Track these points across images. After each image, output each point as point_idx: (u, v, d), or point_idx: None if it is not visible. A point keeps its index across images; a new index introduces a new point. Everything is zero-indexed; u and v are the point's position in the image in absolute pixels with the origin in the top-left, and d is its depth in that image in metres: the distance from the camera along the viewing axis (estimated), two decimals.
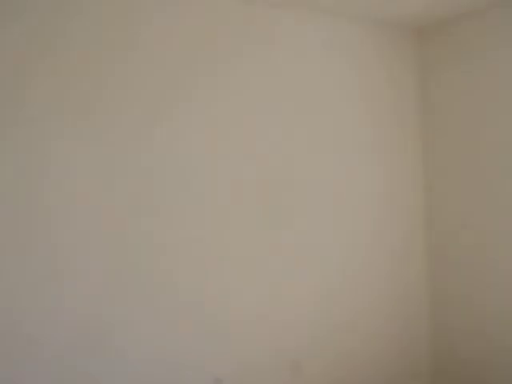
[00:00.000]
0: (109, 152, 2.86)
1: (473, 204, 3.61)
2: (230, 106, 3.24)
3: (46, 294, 2.69)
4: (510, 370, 3.37)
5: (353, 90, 3.72)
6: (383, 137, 3.84)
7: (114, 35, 2.89)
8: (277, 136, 3.41)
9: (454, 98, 3.71)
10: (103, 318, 2.82)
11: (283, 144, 3.43)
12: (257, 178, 3.33)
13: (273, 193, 3.38)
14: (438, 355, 3.88)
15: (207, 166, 3.16)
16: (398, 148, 3.90)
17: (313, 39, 3.57)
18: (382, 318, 3.79)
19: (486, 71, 3.47)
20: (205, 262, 3.13)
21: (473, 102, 3.58)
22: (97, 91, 2.83)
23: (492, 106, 3.46)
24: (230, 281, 3.21)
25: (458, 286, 3.71)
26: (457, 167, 3.72)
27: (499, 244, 3.44)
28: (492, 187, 3.49)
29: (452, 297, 3.77)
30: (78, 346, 2.75)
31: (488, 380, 3.51)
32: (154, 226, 2.98)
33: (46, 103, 2.71)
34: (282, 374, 3.36)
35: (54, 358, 2.68)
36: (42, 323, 2.67)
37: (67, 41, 2.77)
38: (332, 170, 3.62)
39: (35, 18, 2.68)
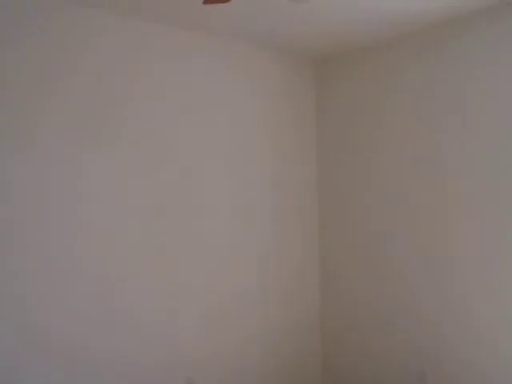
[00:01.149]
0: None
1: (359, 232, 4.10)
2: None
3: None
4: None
5: (252, 112, 4.02)
6: (281, 158, 4.18)
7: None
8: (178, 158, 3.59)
9: (343, 120, 4.29)
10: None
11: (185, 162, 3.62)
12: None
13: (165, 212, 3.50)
14: (328, 370, 4.21)
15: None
16: (295, 167, 4.27)
17: (213, 63, 3.81)
18: (275, 338, 4.00)
19: (370, 98, 4.11)
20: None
21: (358, 125, 4.17)
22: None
23: (376, 130, 4.05)
24: (129, 295, 3.30)
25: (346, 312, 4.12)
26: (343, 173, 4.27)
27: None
28: (377, 207, 3.99)
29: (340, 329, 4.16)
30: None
31: None
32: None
33: None
34: None
35: None
36: None
37: None
38: (228, 187, 3.83)
39: None
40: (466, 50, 3.48)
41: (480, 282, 3.33)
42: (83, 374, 3.03)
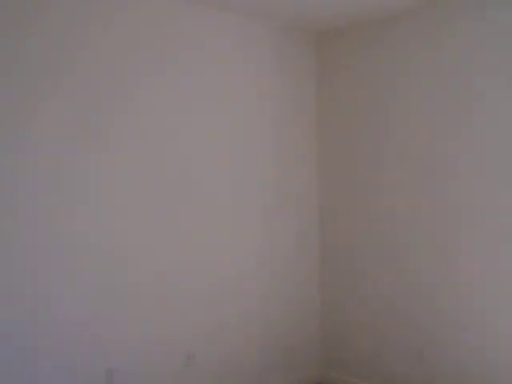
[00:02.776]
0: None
1: (359, 194, 4.13)
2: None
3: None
4: (397, 362, 3.91)
5: (257, 88, 3.92)
6: (282, 133, 4.11)
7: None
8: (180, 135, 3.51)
9: (342, 96, 4.22)
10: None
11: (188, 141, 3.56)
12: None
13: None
14: (328, 349, 4.36)
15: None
16: (295, 146, 4.22)
17: (221, 39, 3.71)
18: (274, 313, 4.04)
19: (371, 73, 4.04)
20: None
21: (356, 101, 4.11)
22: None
23: (375, 105, 4.01)
24: (132, 269, 3.28)
25: (346, 285, 4.20)
26: (345, 159, 4.24)
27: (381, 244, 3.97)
28: (375, 181, 4.01)
29: (340, 294, 4.24)
30: None
31: (375, 369, 4.04)
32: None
33: None
34: (176, 363, 3.47)
35: None
36: None
37: None
38: (232, 163, 3.78)
39: None
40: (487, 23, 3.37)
41: (486, 259, 3.40)
42: (91, 351, 3.07)
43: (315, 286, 4.38)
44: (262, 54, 4.00)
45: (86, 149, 3.05)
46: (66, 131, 2.95)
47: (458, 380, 3.54)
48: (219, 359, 3.70)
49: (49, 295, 2.90)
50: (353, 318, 4.16)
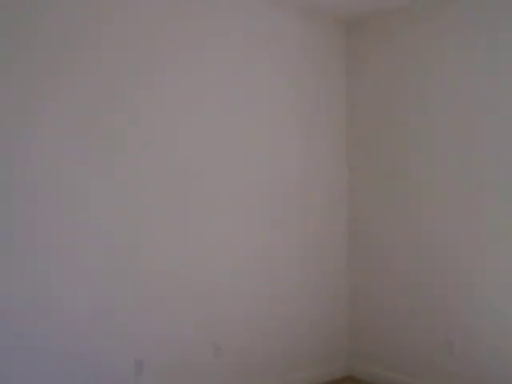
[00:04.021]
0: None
1: (390, 184, 4.00)
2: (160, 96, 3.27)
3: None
4: (422, 351, 3.79)
5: (282, 76, 3.85)
6: (309, 122, 4.03)
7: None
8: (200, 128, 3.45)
9: (375, 85, 4.09)
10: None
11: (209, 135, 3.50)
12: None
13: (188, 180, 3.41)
14: (357, 340, 4.25)
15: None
16: (323, 136, 4.15)
17: (247, 28, 3.64)
18: (302, 302, 3.99)
19: (401, 60, 3.91)
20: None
21: (391, 89, 3.98)
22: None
23: (405, 95, 3.88)
24: (159, 260, 3.24)
25: (371, 274, 4.10)
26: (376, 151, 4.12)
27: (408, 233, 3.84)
28: (406, 171, 3.88)
29: (367, 282, 4.14)
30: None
31: (400, 360, 3.93)
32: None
33: None
34: (204, 353, 3.46)
35: None
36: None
37: None
38: (259, 154, 3.74)
39: None
40: None
41: None
42: (105, 338, 3.05)
43: (343, 275, 4.30)
44: (289, 43, 3.92)
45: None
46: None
47: (490, 373, 3.39)
48: (247, 350, 3.69)
49: (74, 283, 2.89)
50: (382, 308, 4.06)
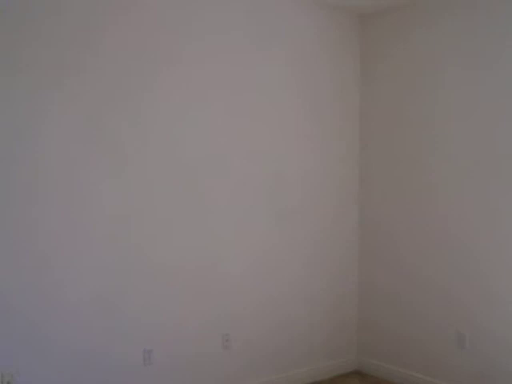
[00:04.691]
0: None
1: (402, 178, 3.98)
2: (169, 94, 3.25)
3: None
4: (428, 344, 3.79)
5: (294, 70, 3.82)
6: (321, 115, 4.01)
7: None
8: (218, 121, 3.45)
9: (389, 79, 4.05)
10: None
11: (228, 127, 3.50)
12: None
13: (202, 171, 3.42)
14: (366, 335, 4.25)
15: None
16: (337, 130, 4.12)
17: (255, 20, 3.60)
18: (311, 296, 3.99)
19: (416, 54, 3.86)
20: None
21: (406, 84, 3.93)
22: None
23: (420, 89, 3.83)
24: (168, 252, 3.25)
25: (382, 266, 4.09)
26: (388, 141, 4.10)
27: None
28: (419, 166, 3.85)
29: (377, 278, 4.14)
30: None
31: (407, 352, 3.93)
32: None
33: None
34: (216, 344, 3.48)
35: None
36: None
37: None
38: (271, 143, 3.72)
39: None
40: None
41: None
42: (117, 336, 3.07)
43: (354, 269, 4.29)
44: (303, 36, 3.88)
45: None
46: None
47: (501, 367, 3.37)
48: (255, 343, 3.69)
49: (85, 276, 2.91)
50: (392, 302, 4.04)
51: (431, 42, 3.76)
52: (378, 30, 4.11)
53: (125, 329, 3.08)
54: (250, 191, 3.63)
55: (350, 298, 4.26)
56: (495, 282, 3.40)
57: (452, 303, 3.63)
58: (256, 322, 3.68)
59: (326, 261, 4.09)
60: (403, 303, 3.95)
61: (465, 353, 3.56)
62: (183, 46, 3.28)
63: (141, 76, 3.12)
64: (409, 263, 3.91)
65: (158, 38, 3.18)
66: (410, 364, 3.91)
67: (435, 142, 3.74)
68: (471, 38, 3.51)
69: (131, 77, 3.08)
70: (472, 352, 3.52)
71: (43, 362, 2.80)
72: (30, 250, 2.75)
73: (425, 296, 3.81)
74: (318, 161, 4.01)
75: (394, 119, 4.02)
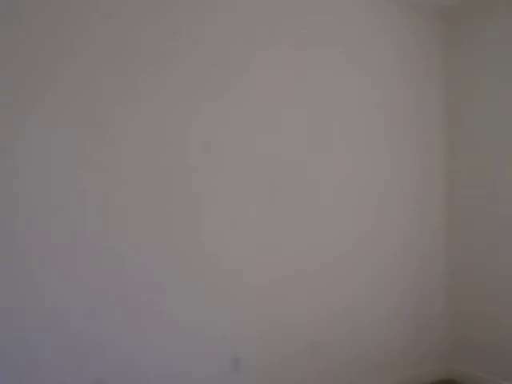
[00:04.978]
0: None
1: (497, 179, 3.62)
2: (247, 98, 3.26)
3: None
4: None
5: (373, 76, 3.74)
6: (402, 123, 3.88)
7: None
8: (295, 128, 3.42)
9: (478, 81, 3.71)
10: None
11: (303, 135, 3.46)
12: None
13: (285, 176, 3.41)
14: (456, 340, 3.90)
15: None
16: (419, 137, 3.96)
17: (331, 24, 3.56)
18: (397, 297, 3.81)
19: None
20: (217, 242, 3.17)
21: (496, 86, 3.56)
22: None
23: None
24: (244, 259, 3.22)
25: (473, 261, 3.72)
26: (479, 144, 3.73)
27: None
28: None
29: (467, 270, 3.77)
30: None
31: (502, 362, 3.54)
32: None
33: None
34: (300, 353, 3.41)
35: None
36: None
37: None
38: (349, 154, 3.65)
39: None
40: None
41: None
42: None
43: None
44: (381, 38, 3.76)
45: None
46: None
47: None
48: (344, 346, 3.60)
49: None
50: (484, 305, 3.64)
51: None
52: (464, 29, 3.76)
53: (213, 336, 3.10)
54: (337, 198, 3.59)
55: (439, 300, 4.02)
56: None
57: None
58: (341, 326, 3.57)
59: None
60: (499, 308, 3.53)
61: None
62: (254, 54, 3.26)
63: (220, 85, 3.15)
64: (502, 271, 3.50)
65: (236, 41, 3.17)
66: (508, 374, 3.48)
67: None
68: None
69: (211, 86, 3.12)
70: None
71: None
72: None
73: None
74: (397, 167, 3.88)
75: (484, 123, 3.66)
